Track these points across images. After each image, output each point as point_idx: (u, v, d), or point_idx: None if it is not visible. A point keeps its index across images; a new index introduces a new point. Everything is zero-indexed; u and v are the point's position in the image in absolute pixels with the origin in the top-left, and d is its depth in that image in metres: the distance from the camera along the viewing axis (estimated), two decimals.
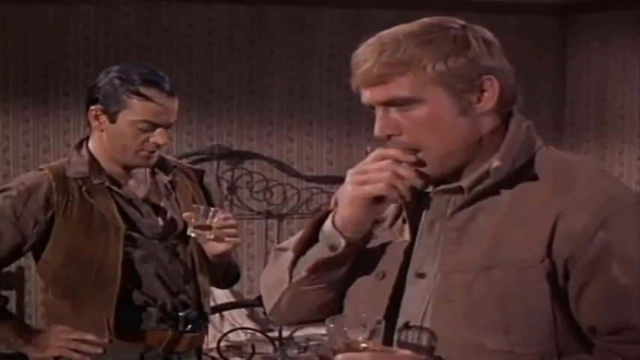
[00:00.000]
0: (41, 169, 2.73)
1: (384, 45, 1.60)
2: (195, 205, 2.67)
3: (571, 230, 1.55)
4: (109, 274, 2.65)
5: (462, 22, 1.63)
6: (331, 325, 1.57)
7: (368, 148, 1.76)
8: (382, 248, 1.71)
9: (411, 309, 1.65)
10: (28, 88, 5.97)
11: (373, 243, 1.73)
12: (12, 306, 5.11)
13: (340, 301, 1.76)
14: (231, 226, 2.65)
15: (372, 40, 1.63)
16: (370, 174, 1.60)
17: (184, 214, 2.66)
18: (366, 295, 1.70)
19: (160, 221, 2.74)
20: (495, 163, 1.60)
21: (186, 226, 2.66)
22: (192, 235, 2.63)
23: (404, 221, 1.70)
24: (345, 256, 1.68)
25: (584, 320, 1.59)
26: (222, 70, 6.22)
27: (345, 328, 1.56)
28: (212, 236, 2.62)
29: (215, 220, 2.61)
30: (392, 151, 1.60)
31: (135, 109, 2.61)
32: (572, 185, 1.59)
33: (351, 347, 1.55)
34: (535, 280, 1.56)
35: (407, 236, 1.68)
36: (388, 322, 1.64)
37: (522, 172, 1.62)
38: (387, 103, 1.61)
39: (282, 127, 6.36)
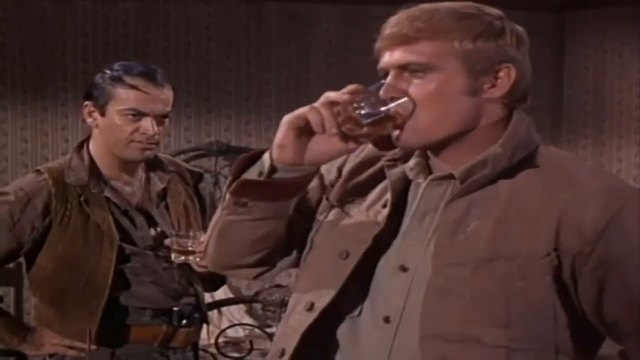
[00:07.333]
0: (40, 173, 2.69)
1: (420, 12, 1.58)
2: (174, 233, 2.68)
3: (580, 225, 1.53)
4: (98, 285, 2.64)
5: (500, 12, 1.62)
6: None
7: None
8: (352, 227, 1.67)
9: (391, 303, 1.61)
10: (26, 84, 5.97)
11: (346, 221, 1.69)
12: (10, 302, 5.12)
13: (278, 249, 1.72)
14: None
15: (410, 9, 1.61)
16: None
17: (166, 241, 2.67)
18: (323, 270, 1.66)
19: (152, 232, 2.74)
20: (496, 149, 1.58)
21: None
22: (177, 261, 2.66)
23: (384, 206, 1.66)
24: (274, 188, 1.64)
25: (609, 317, 1.57)
26: (220, 67, 6.21)
27: None
28: (196, 259, 2.65)
29: (197, 243, 2.64)
30: (332, 94, 1.58)
31: (120, 98, 2.62)
32: (575, 180, 1.57)
33: None
34: (538, 274, 1.54)
35: (380, 220, 1.64)
36: (336, 304, 1.62)
37: (521, 166, 1.59)
38: (403, 67, 1.58)
39: (280, 123, 6.35)
